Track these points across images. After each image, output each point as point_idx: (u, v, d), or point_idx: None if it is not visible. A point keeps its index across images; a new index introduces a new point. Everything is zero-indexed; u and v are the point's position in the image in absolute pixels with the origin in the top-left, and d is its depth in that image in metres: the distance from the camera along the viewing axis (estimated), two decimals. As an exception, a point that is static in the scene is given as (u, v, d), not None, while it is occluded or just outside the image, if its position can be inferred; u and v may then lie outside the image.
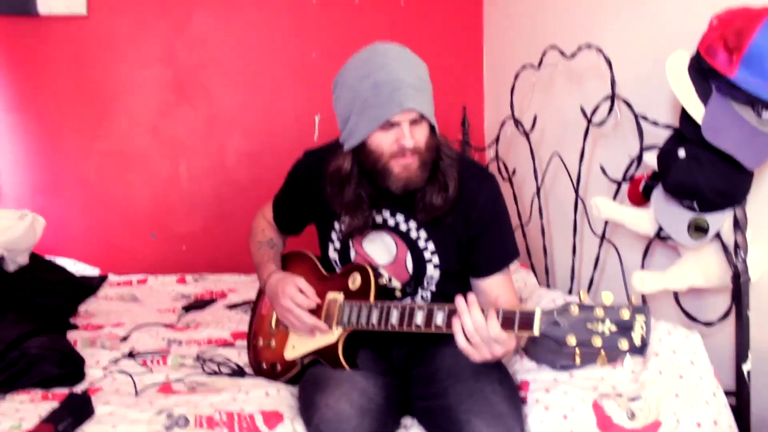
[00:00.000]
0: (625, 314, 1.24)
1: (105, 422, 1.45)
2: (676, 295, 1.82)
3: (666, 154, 1.64)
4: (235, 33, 3.08)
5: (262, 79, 3.12)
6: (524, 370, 1.72)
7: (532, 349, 1.78)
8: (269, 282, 1.73)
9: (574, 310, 1.29)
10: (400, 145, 1.51)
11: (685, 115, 1.59)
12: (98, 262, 2.95)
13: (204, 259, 3.05)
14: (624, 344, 1.23)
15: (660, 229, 1.78)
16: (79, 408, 1.44)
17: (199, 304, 2.51)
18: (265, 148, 3.10)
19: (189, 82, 3.08)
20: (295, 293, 1.64)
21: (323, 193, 1.67)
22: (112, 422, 1.45)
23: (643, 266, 1.91)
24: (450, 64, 3.23)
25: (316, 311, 1.66)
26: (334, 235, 1.73)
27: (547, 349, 1.74)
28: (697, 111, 1.54)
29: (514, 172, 2.74)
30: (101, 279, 2.75)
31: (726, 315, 1.67)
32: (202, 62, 3.08)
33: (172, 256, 3.08)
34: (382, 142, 1.53)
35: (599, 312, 1.26)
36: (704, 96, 1.55)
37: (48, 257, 2.75)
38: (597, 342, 1.25)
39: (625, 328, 1.23)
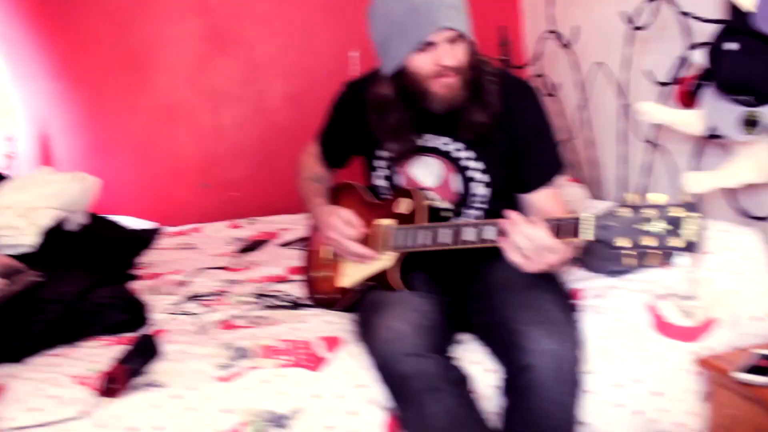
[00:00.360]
0: (678, 212, 1.22)
1: (174, 359, 1.52)
2: (731, 194, 1.78)
3: (716, 48, 1.59)
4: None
5: (296, 20, 3.11)
6: (577, 279, 1.73)
7: (587, 258, 1.78)
8: (317, 213, 1.78)
9: (625, 211, 1.28)
10: (439, 64, 1.51)
11: (734, 7, 1.53)
12: (154, 216, 3.03)
13: (255, 204, 3.10)
14: (678, 242, 1.22)
15: (712, 129, 1.74)
16: (148, 348, 1.51)
17: (253, 245, 2.56)
18: (305, 89, 3.11)
19: (224, 31, 3.09)
20: (339, 224, 1.66)
21: (366, 122, 1.69)
22: (180, 358, 1.52)
23: (695, 168, 1.87)
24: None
25: (366, 239, 1.69)
26: (379, 163, 1.75)
27: (601, 256, 1.73)
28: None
29: (557, 87, 2.69)
30: (156, 231, 2.83)
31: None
32: (235, 10, 3.07)
33: (224, 204, 3.14)
34: (422, 63, 1.54)
35: (650, 212, 1.25)
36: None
37: (106, 216, 2.84)
38: (650, 242, 1.24)
39: (678, 226, 1.22)
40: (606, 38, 2.36)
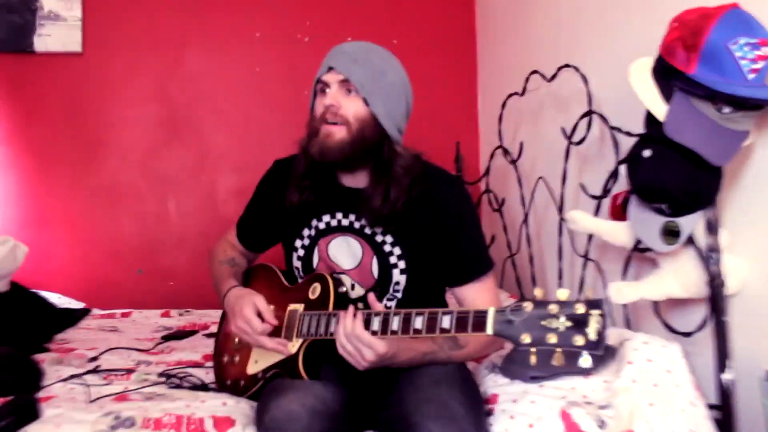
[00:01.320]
0: (580, 309, 1.22)
1: (49, 422, 1.46)
2: (656, 307, 1.80)
3: (632, 157, 1.66)
4: (227, 71, 3.20)
5: (252, 117, 3.22)
6: (496, 385, 1.70)
7: (506, 366, 1.76)
8: (228, 298, 1.73)
9: (528, 307, 1.27)
10: (324, 105, 1.58)
11: (650, 117, 1.61)
12: (83, 297, 2.98)
13: (191, 295, 3.07)
14: (579, 340, 1.21)
15: (638, 241, 1.78)
16: (23, 408, 1.45)
17: (179, 334, 2.52)
18: (254, 185, 3.14)
19: (180, 119, 3.18)
20: (251, 316, 1.62)
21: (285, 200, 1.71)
22: (57, 422, 1.46)
23: (624, 279, 1.90)
24: (445, 100, 3.30)
25: (280, 325, 1.67)
26: (298, 243, 1.75)
27: (520, 363, 1.71)
28: (661, 110, 1.57)
29: (503, 202, 2.77)
30: (84, 312, 2.79)
31: (704, 324, 1.65)
32: (194, 100, 3.18)
33: (159, 292, 3.12)
34: (317, 105, 1.62)
35: (553, 308, 1.24)
36: (667, 95, 1.58)
37: (32, 290, 2.79)
38: (552, 339, 1.23)
39: (580, 323, 1.21)
40: (550, 154, 2.45)
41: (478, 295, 1.68)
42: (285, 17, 3.23)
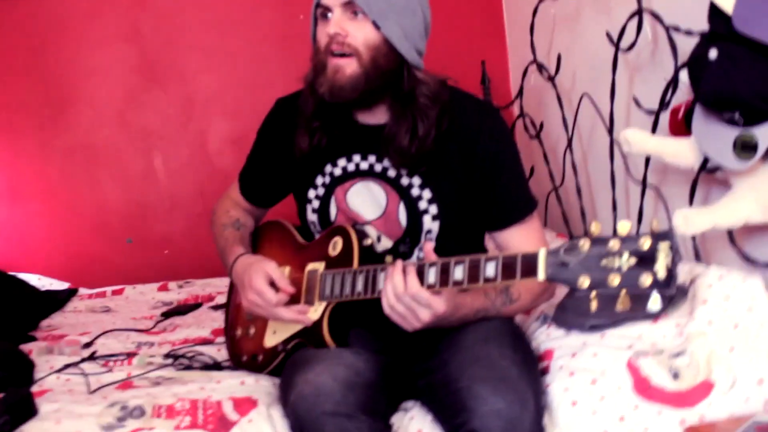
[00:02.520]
0: (646, 243, 1.20)
1: (48, 419, 1.49)
2: (730, 235, 1.78)
3: (696, 59, 1.62)
4: (208, 1, 3.15)
5: (242, 52, 3.18)
6: (550, 338, 1.71)
7: (560, 315, 1.76)
8: (235, 269, 1.73)
9: (585, 245, 1.25)
10: (328, 34, 1.55)
11: (714, 10, 1.57)
12: (68, 276, 3.02)
13: (190, 264, 3.10)
14: (647, 279, 1.19)
15: (706, 159, 1.75)
16: (17, 406, 1.48)
17: (181, 309, 2.55)
18: (252, 131, 3.13)
19: (158, 61, 3.16)
20: (263, 287, 1.62)
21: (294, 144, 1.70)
22: (56, 418, 1.49)
23: (691, 205, 1.88)
24: (465, 14, 3.24)
25: (299, 289, 1.67)
26: (312, 193, 1.74)
27: (576, 311, 1.72)
28: (728, 0, 1.53)
29: (541, 126, 2.74)
30: (70, 292, 2.82)
31: (790, 251, 1.64)
32: (172, 38, 3.15)
33: (153, 263, 3.14)
34: (320, 34, 1.59)
35: (614, 244, 1.22)
36: (735, -18, 1.53)
37: (11, 273, 2.83)
38: (615, 280, 1.21)
39: (646, 260, 1.19)
40: (595, 66, 2.41)
41: (522, 238, 1.67)
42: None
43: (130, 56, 3.13)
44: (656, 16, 1.94)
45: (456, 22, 3.23)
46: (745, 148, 1.60)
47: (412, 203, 1.66)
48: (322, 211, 1.74)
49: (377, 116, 1.66)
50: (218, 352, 1.97)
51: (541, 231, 1.74)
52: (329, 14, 1.56)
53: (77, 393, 1.68)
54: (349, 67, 1.55)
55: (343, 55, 1.55)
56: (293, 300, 1.66)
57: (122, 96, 3.15)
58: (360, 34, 1.55)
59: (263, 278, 1.63)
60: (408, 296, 1.39)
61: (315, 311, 1.62)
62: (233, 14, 3.16)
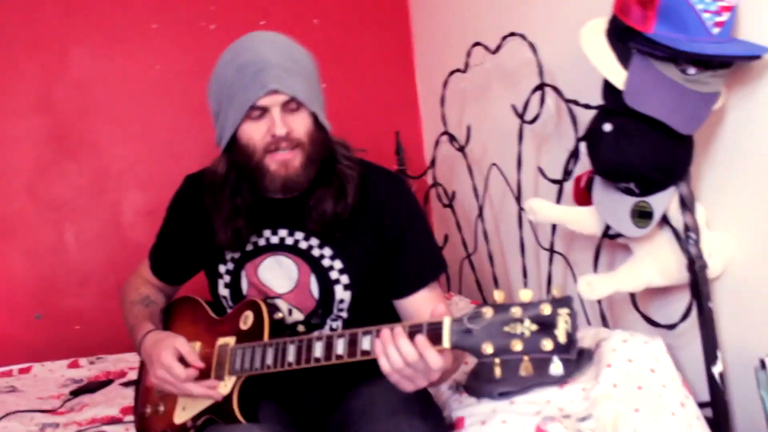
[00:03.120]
0: (546, 309, 1.23)
1: None
2: (633, 299, 1.84)
3: (592, 133, 1.69)
4: (121, 71, 3.13)
5: (156, 122, 3.17)
6: (462, 406, 1.72)
7: (472, 383, 1.78)
8: (144, 345, 1.69)
9: (488, 312, 1.28)
10: (272, 135, 1.54)
11: (608, 86, 1.65)
12: (-30, 354, 2.90)
13: (102, 339, 3.01)
14: (547, 344, 1.22)
15: (608, 227, 1.81)
16: None
17: (90, 386, 2.48)
18: (166, 202, 3.10)
19: (71, 132, 3.11)
20: (171, 362, 1.58)
21: (205, 220, 1.69)
22: None
23: (596, 272, 1.93)
24: (378, 84, 3.32)
25: (209, 364, 1.65)
26: (223, 269, 1.74)
27: (486, 379, 1.73)
28: (619, 77, 1.60)
29: (453, 195, 2.79)
30: (-28, 372, 2.71)
31: (688, 313, 1.69)
32: (85, 107, 3.11)
33: (64, 339, 3.04)
34: (254, 133, 1.56)
35: (516, 311, 1.25)
36: (625, 60, 1.61)
37: None
38: (517, 346, 1.23)
39: (547, 326, 1.22)
40: (503, 137, 2.48)
41: (430, 305, 1.67)
42: (184, 2, 3.19)
43: (41, 127, 3.08)
44: (557, 91, 2.02)
45: (370, 93, 3.31)
46: (642, 216, 1.67)
47: (323, 274, 1.67)
48: (234, 286, 1.72)
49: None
50: (126, 431, 1.91)
51: (444, 299, 1.76)
52: (266, 113, 1.55)
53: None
54: (297, 158, 1.57)
55: (286, 150, 1.56)
56: (204, 375, 1.62)
57: (32, 167, 3.08)
58: (302, 127, 1.57)
59: (171, 353, 1.60)
60: (423, 364, 1.33)
61: (225, 386, 1.60)
62: (147, 86, 3.15)
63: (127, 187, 3.15)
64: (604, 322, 1.98)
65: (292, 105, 1.55)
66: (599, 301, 1.97)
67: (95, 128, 3.12)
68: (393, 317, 1.78)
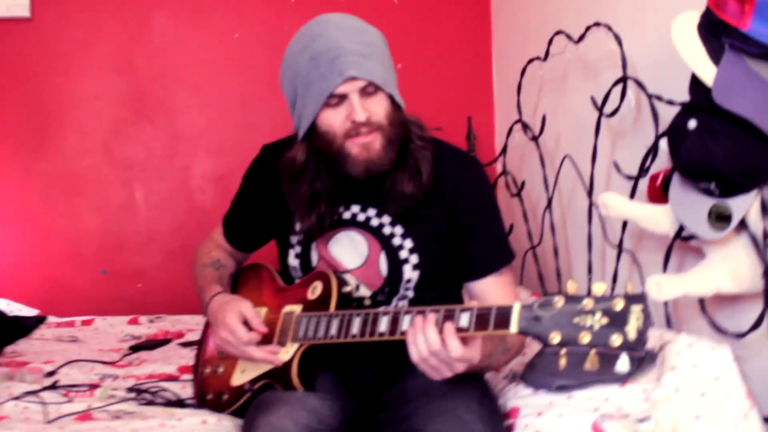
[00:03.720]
0: (618, 304, 1.22)
1: (3, 446, 1.46)
2: (702, 303, 1.79)
3: (675, 128, 1.65)
4: (202, 38, 3.19)
5: (231, 92, 3.22)
6: (517, 396, 1.70)
7: (529, 374, 1.76)
8: (210, 306, 1.73)
9: (559, 302, 1.28)
10: (352, 121, 1.54)
11: (695, 82, 1.60)
12: (38, 303, 2.98)
13: (163, 299, 3.09)
14: (617, 339, 1.21)
15: (681, 227, 1.77)
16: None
17: (149, 344, 2.54)
18: (236, 170, 3.14)
19: (148, 94, 3.18)
20: (235, 325, 1.61)
21: (279, 192, 1.71)
22: (10, 446, 1.46)
23: (665, 272, 1.89)
24: (453, 68, 3.31)
25: (273, 330, 1.67)
26: (294, 239, 1.75)
27: (545, 371, 1.72)
28: (708, 73, 1.56)
29: (522, 185, 2.76)
30: (38, 320, 2.79)
31: (759, 322, 1.64)
32: (164, 72, 3.18)
33: (126, 296, 3.13)
34: (333, 120, 1.56)
35: (588, 303, 1.24)
36: (716, 56, 1.56)
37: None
38: (585, 338, 1.23)
39: (618, 321, 1.22)
40: (579, 128, 2.44)
41: (497, 290, 1.68)
42: (268, -27, 3.22)
43: (120, 88, 3.15)
44: (640, 85, 1.97)
45: (445, 76, 3.29)
46: (720, 218, 1.62)
47: (393, 252, 1.67)
48: (304, 257, 1.75)
49: None
50: (183, 389, 1.96)
51: (515, 286, 1.75)
52: (345, 100, 1.55)
53: (34, 422, 1.66)
54: (377, 141, 1.57)
55: (367, 134, 1.56)
56: (267, 341, 1.65)
57: (109, 126, 3.16)
58: (381, 110, 1.57)
59: (236, 316, 1.63)
60: (445, 352, 1.34)
61: (286, 352, 1.61)
62: (225, 54, 3.20)
63: (197, 153, 3.21)
64: (669, 325, 1.93)
65: (369, 89, 1.55)
66: (665, 303, 1.93)
67: (171, 93, 3.19)
68: (458, 300, 1.79)
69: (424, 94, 3.14)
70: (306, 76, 1.55)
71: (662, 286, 1.73)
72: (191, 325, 2.78)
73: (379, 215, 1.68)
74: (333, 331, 1.55)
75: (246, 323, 1.63)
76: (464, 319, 1.36)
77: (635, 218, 1.87)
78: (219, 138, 3.20)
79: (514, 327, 1.30)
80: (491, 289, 1.68)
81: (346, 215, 1.70)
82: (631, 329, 1.20)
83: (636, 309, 1.21)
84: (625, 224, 2.08)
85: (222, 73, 3.20)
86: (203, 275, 1.86)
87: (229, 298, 1.70)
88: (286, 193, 1.69)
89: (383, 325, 1.48)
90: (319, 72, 1.53)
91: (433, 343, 1.34)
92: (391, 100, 1.59)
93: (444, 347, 1.33)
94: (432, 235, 1.67)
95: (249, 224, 1.89)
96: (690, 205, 1.68)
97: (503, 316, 1.31)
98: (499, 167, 3.01)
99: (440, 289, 1.71)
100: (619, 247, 2.11)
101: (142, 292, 3.16)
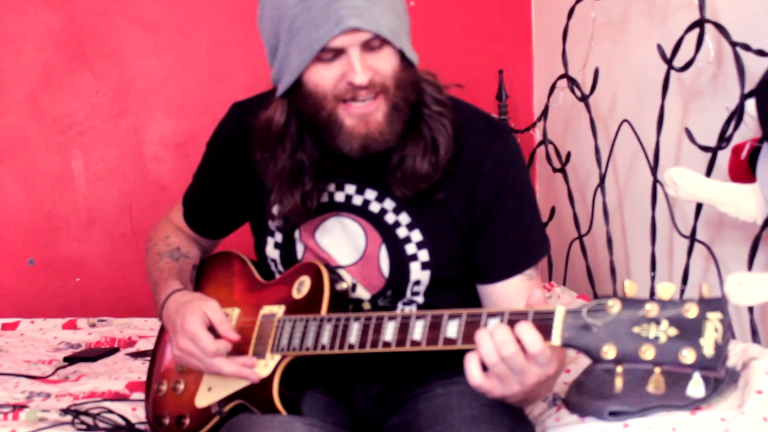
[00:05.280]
0: (691, 311, 1.21)
1: None
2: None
3: (766, 87, 1.65)
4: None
5: (198, 33, 3.21)
6: (559, 425, 1.71)
7: (575, 396, 1.77)
8: (166, 307, 1.71)
9: (614, 307, 1.26)
10: (349, 82, 1.52)
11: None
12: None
13: (108, 298, 3.11)
14: (689, 355, 1.20)
15: (769, 210, 1.78)
16: None
17: (90, 354, 2.54)
18: (201, 135, 3.13)
19: (89, 35, 3.17)
20: (198, 331, 1.59)
21: (254, 162, 1.70)
22: None
23: (750, 270, 1.90)
24: (481, 8, 3.31)
25: (248, 335, 1.67)
26: (273, 225, 1.75)
27: (595, 392, 1.73)
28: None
29: (568, 157, 2.76)
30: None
31: None
32: (110, 7, 3.17)
33: (61, 293, 3.14)
34: (323, 79, 1.52)
35: (651, 308, 1.23)
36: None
37: None
38: (648, 353, 1.22)
39: (690, 332, 1.20)
40: (638, 86, 2.44)
41: (521, 296, 1.64)
42: None
43: (53, 25, 3.15)
44: (722, 30, 1.97)
45: (469, 17, 3.28)
46: (823, 201, 1.63)
47: (397, 246, 1.67)
48: (286, 248, 1.74)
49: None
50: (133, 411, 1.96)
51: (543, 289, 1.74)
52: (341, 55, 1.52)
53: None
54: (379, 109, 1.53)
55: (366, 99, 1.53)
56: (240, 351, 1.65)
57: (38, 75, 3.16)
58: (387, 68, 1.52)
59: (199, 320, 1.61)
60: (521, 357, 1.30)
61: (265, 366, 1.61)
62: (189, -16, 3.20)
63: (153, 111, 3.22)
64: (755, 337, 1.95)
65: (374, 43, 1.51)
66: (751, 309, 1.94)
67: (119, 32, 3.18)
68: (476, 305, 1.78)
69: (441, 41, 3.15)
70: (292, 20, 1.52)
71: (746, 287, 1.74)
72: (143, 330, 2.79)
73: (380, 199, 1.66)
74: (325, 339, 1.54)
75: (212, 329, 1.62)
76: (491, 326, 1.36)
77: (712, 201, 1.87)
78: (180, 92, 3.21)
79: (556, 338, 1.29)
80: (517, 296, 1.63)
81: (339, 197, 1.69)
82: (708, 343, 1.19)
83: (713, 317, 1.19)
84: (699, 208, 2.09)
85: (185, 8, 3.20)
86: (158, 267, 1.85)
87: (189, 297, 1.69)
88: (261, 165, 1.68)
89: (389, 332, 1.46)
90: (310, 17, 1.49)
91: (506, 343, 1.28)
92: (401, 55, 1.58)
93: (520, 351, 1.27)
94: (447, 227, 1.65)
95: (215, 204, 1.88)
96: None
97: (543, 324, 1.30)
98: (538, 135, 3.01)
99: (456, 294, 1.70)
100: (692, 237, 2.12)
101: (81, 288, 3.17)
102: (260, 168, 1.67)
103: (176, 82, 3.22)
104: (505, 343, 1.28)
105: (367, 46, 1.50)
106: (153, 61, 3.21)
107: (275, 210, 1.70)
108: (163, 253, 1.88)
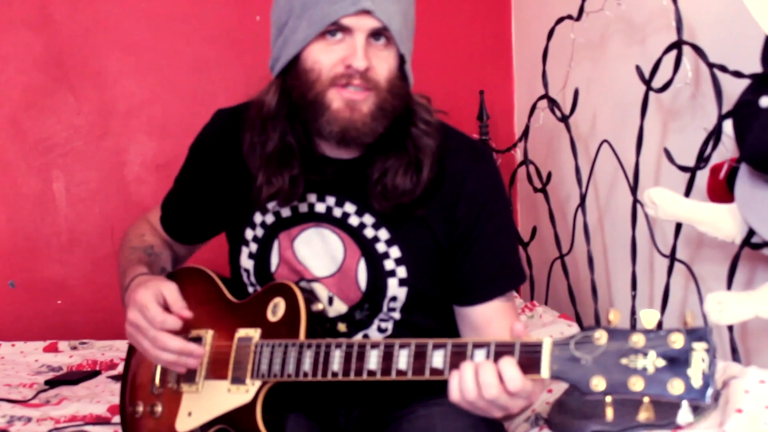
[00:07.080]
0: (677, 342, 1.22)
1: None
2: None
3: (743, 107, 1.66)
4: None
5: (180, 54, 3.21)
6: (543, 446, 1.72)
7: (557, 415, 1.77)
8: (130, 288, 1.68)
9: (601, 338, 1.26)
10: (347, 65, 1.54)
11: (769, 48, 1.62)
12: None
13: (89, 320, 3.09)
14: (678, 386, 1.20)
15: (751, 232, 1.79)
16: None
17: (72, 377, 2.53)
18: (182, 156, 3.12)
19: (70, 57, 3.17)
20: (148, 302, 1.56)
21: (239, 165, 1.70)
22: None
23: (729, 290, 1.90)
24: (463, 29, 3.33)
25: (221, 360, 1.67)
26: (250, 234, 1.74)
27: (577, 412, 1.73)
28: (786, 37, 1.58)
29: (548, 178, 2.77)
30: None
31: None
32: (89, 27, 3.16)
33: (42, 315, 3.12)
34: (323, 57, 1.54)
35: (638, 339, 1.23)
36: (795, 16, 1.58)
37: None
38: (637, 385, 1.22)
39: (677, 363, 1.21)
40: (617, 106, 2.45)
41: (502, 319, 1.65)
42: None
43: (34, 47, 3.14)
44: (699, 51, 1.98)
45: (452, 40, 3.30)
46: (800, 221, 1.64)
47: (375, 261, 1.67)
48: (261, 258, 1.73)
49: (349, 149, 1.66)
50: (114, 435, 1.95)
51: (517, 313, 1.75)
52: (347, 38, 1.53)
53: None
54: (366, 103, 1.53)
55: (358, 90, 1.54)
56: (219, 373, 1.65)
57: (19, 96, 3.15)
58: (384, 68, 1.55)
59: (152, 294, 1.58)
60: (504, 396, 1.30)
61: (246, 392, 1.61)
62: (172, 6, 3.20)
63: (135, 132, 3.21)
64: (735, 356, 1.95)
65: (380, 37, 1.54)
66: (730, 328, 1.94)
67: (100, 54, 3.18)
68: (453, 326, 1.77)
69: (422, 61, 3.10)
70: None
71: (726, 306, 1.74)
72: (125, 353, 2.77)
73: (359, 213, 1.66)
74: (306, 366, 1.53)
75: (166, 308, 1.58)
76: (479, 356, 1.36)
77: (691, 220, 1.88)
78: (162, 114, 3.20)
79: (545, 371, 1.28)
80: (496, 319, 1.65)
81: (320, 207, 1.68)
82: (695, 374, 1.19)
83: (699, 348, 1.19)
84: (678, 228, 2.10)
85: (167, 30, 3.20)
86: (129, 259, 1.83)
87: (152, 278, 1.67)
88: (248, 149, 1.67)
89: (373, 361, 1.46)
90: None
91: (489, 386, 1.28)
92: (400, 65, 1.59)
93: (503, 388, 1.28)
94: (426, 245, 1.66)
95: (193, 209, 1.87)
96: (762, 205, 1.69)
97: (530, 357, 1.30)
98: (519, 155, 3.02)
99: (432, 312, 1.71)
100: (672, 256, 2.13)
101: (63, 310, 3.15)
102: (248, 153, 1.67)
103: (158, 104, 3.21)
104: (489, 387, 1.28)
105: (374, 38, 1.53)
106: (135, 83, 3.20)
107: (264, 192, 1.68)
108: (136, 248, 1.87)
